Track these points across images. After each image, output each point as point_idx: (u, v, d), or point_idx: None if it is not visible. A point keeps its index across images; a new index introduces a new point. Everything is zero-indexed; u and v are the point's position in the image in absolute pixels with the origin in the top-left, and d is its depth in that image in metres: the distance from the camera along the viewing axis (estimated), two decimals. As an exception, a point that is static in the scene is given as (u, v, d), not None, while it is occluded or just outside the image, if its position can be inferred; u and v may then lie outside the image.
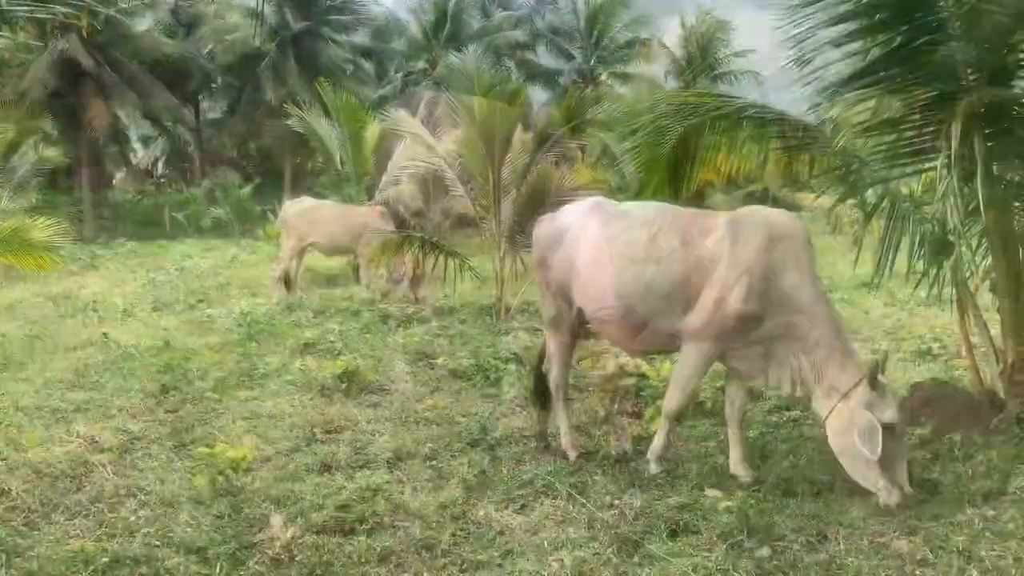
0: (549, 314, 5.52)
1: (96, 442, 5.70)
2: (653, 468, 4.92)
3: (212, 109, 40.17)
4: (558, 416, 5.54)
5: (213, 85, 37.72)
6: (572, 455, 5.31)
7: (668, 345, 5.21)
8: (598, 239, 5.13)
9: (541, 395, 5.67)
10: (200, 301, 12.84)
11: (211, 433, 5.93)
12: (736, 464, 4.91)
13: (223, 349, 8.86)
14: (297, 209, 13.09)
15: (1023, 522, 3.96)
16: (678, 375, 4.99)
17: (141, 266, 18.87)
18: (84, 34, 28.18)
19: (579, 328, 5.56)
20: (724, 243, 4.78)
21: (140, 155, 44.27)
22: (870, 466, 4.31)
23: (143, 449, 5.63)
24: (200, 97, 38.78)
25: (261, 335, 9.52)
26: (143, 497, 4.74)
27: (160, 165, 44.32)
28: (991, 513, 4.13)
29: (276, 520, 4.29)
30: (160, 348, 8.82)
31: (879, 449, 4.23)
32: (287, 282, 12.99)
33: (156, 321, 10.77)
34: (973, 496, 4.39)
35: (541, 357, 5.78)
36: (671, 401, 4.97)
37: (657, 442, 5.01)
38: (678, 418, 5.06)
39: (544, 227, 5.59)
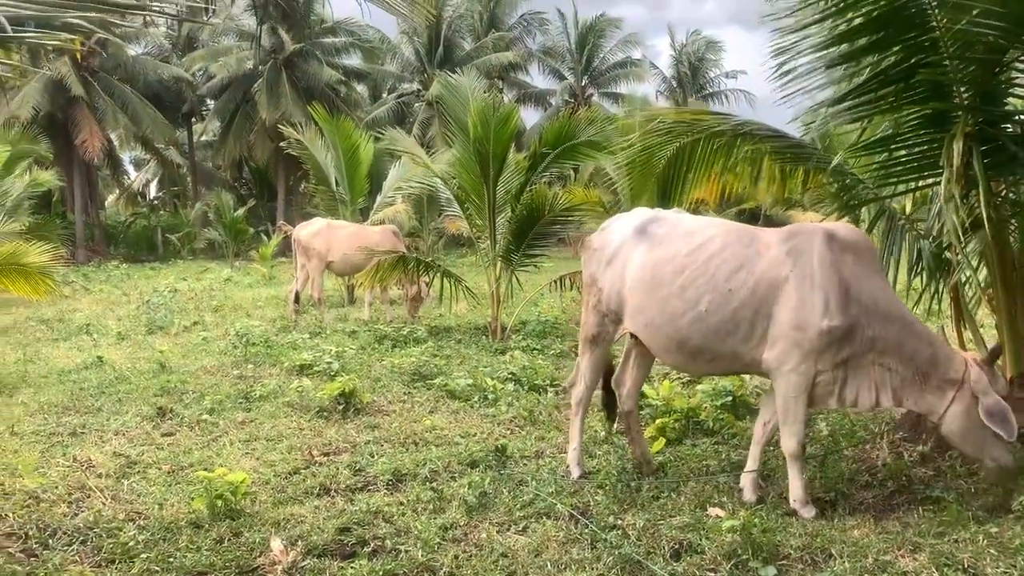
0: (590, 332, 5.29)
1: (93, 466, 5.67)
2: (806, 514, 4.53)
3: (205, 131, 40.33)
4: (571, 432, 5.45)
5: (206, 108, 37.87)
6: (576, 473, 5.26)
7: (729, 368, 5.04)
8: (650, 261, 4.92)
9: (610, 409, 5.62)
10: (195, 323, 12.82)
11: (209, 457, 5.90)
12: (748, 484, 4.84)
13: (219, 371, 8.84)
14: (313, 229, 13.03)
15: (1027, 538, 3.95)
16: (784, 411, 4.63)
17: (135, 288, 18.89)
18: (78, 58, 28.26)
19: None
20: (786, 262, 4.58)
21: (133, 177, 44.33)
22: (996, 441, 4.36)
23: (140, 473, 5.59)
24: (193, 119, 38.92)
25: (257, 357, 9.50)
26: (141, 522, 4.69)
27: (153, 187, 44.41)
28: (995, 530, 4.12)
29: (276, 544, 4.27)
30: (155, 371, 8.80)
31: (1015, 427, 4.27)
32: (296, 299, 13.01)
33: (151, 344, 10.74)
34: (977, 513, 4.39)
35: (609, 372, 5.58)
36: (791, 439, 4.61)
37: (796, 485, 4.61)
38: (802, 453, 4.67)
39: (594, 246, 5.32)
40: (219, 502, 4.73)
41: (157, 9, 4.36)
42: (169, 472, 5.60)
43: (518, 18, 42.41)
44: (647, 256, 4.96)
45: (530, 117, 42.05)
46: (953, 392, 4.45)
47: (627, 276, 5.03)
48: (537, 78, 43.87)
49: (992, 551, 3.91)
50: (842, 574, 3.77)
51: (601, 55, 42.84)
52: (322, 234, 12.84)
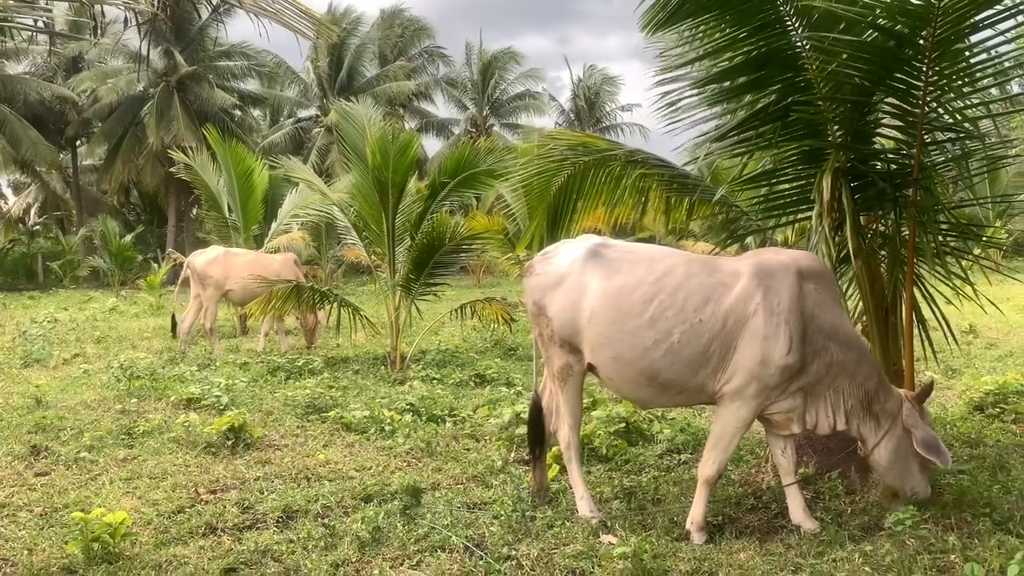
0: (557, 365, 5.00)
1: (-45, 512, 5.29)
2: (697, 539, 4.59)
3: (91, 154, 38.65)
4: (573, 481, 5.11)
5: (92, 130, 36.35)
6: (596, 519, 4.89)
7: (693, 400, 4.99)
8: (612, 289, 4.72)
9: (535, 446, 5.35)
10: (76, 355, 12.21)
11: (87, 497, 5.59)
12: (803, 516, 4.78)
13: (100, 406, 8.42)
14: (209, 257, 12.56)
15: (898, 555, 4.15)
16: (719, 438, 4.69)
17: (11, 319, 17.85)
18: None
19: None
20: (754, 296, 4.54)
21: (11, 202, 42.09)
22: (918, 475, 4.73)
23: (10, 516, 5.24)
24: (79, 142, 37.29)
25: (142, 390, 9.11)
26: (8, 569, 4.40)
27: (33, 212, 42.18)
28: (869, 548, 4.31)
29: (157, 588, 4.07)
30: (30, 406, 8.32)
31: (948, 456, 4.58)
32: (176, 327, 12.48)
33: (26, 378, 10.15)
34: (853, 532, 4.59)
35: (536, 408, 5.37)
36: (712, 466, 4.68)
37: (698, 510, 4.67)
38: (716, 481, 4.80)
39: (537, 272, 5.06)
40: (96, 545, 4.48)
41: (36, 26, 4.15)
42: (41, 515, 5.28)
43: (420, 49, 42.63)
44: (607, 283, 4.75)
45: (432, 146, 42.24)
46: (888, 424, 4.71)
47: (583, 304, 4.80)
48: (441, 107, 44.23)
49: (867, 568, 4.09)
50: (728, 596, 3.86)
51: (503, 87, 43.51)
52: (219, 262, 12.43)
